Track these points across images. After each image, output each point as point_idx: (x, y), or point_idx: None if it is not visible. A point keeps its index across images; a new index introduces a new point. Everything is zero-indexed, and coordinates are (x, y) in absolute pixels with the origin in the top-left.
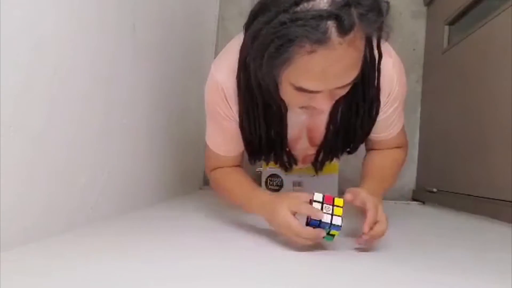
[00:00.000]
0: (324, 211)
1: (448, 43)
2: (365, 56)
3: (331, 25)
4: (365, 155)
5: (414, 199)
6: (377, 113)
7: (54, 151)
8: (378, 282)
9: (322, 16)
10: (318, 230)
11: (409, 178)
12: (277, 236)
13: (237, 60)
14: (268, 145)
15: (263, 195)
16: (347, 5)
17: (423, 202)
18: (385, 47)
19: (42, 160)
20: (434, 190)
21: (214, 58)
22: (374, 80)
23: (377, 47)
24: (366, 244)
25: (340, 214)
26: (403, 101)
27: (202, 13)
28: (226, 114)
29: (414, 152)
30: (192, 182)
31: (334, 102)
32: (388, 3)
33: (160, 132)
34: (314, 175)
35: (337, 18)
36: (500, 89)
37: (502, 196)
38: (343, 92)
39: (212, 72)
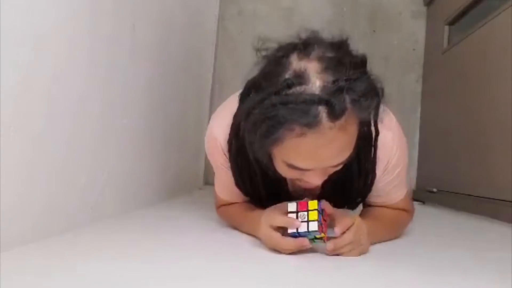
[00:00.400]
0: (300, 219)
1: (448, 43)
2: (360, 134)
3: (322, 110)
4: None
5: (414, 199)
6: (372, 183)
7: (54, 151)
8: (378, 282)
9: (313, 101)
10: (299, 239)
11: (409, 178)
12: None
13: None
14: (269, 197)
15: (255, 217)
16: (339, 90)
17: (423, 202)
18: (385, 118)
19: (42, 160)
20: (434, 190)
21: (214, 58)
22: (370, 155)
23: (374, 125)
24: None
25: (316, 218)
26: (405, 170)
27: (202, 13)
28: (224, 166)
29: (414, 152)
30: (192, 182)
31: (327, 177)
32: (382, 89)
33: (160, 132)
34: None
35: (328, 103)
36: (500, 89)
37: (502, 196)
38: (337, 169)
39: (210, 125)
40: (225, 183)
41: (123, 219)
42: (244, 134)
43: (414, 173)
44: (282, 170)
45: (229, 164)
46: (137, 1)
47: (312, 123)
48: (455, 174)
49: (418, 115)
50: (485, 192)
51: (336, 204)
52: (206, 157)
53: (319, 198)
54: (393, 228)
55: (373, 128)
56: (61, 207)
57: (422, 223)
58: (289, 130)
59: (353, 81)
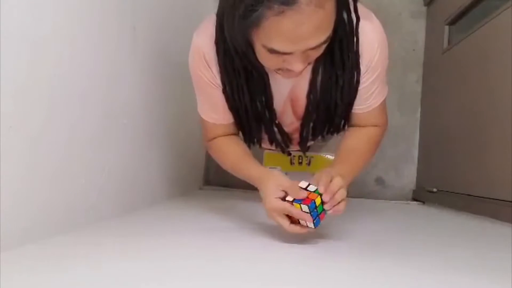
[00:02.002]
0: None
1: (448, 43)
2: (342, 21)
3: None
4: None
5: (414, 199)
6: (358, 81)
7: (53, 151)
8: (378, 282)
9: None
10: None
11: (409, 178)
12: (277, 236)
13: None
14: (256, 117)
15: (256, 173)
16: None
17: (423, 202)
18: (367, 13)
19: (42, 160)
20: (434, 190)
21: None
22: (353, 46)
23: (354, 11)
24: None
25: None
26: (385, 71)
27: (202, 13)
28: (209, 80)
29: (414, 152)
30: (192, 182)
31: (308, 64)
32: None
33: (160, 132)
34: (314, 174)
35: None
36: (500, 89)
37: (502, 196)
38: (317, 53)
39: (193, 40)
40: (210, 101)
41: (123, 219)
42: (224, 23)
43: (414, 173)
44: (263, 57)
45: (213, 77)
46: (137, 2)
47: (289, 1)
48: (455, 174)
49: (418, 115)
50: (485, 192)
51: (321, 128)
52: (206, 157)
53: (306, 109)
54: (369, 158)
55: (353, 16)
56: (61, 207)
57: (422, 223)
58: (268, 8)
59: None
